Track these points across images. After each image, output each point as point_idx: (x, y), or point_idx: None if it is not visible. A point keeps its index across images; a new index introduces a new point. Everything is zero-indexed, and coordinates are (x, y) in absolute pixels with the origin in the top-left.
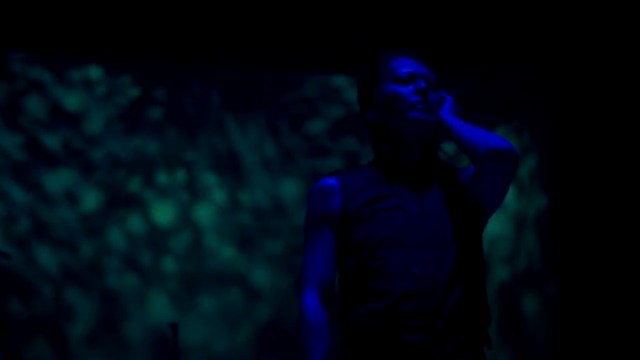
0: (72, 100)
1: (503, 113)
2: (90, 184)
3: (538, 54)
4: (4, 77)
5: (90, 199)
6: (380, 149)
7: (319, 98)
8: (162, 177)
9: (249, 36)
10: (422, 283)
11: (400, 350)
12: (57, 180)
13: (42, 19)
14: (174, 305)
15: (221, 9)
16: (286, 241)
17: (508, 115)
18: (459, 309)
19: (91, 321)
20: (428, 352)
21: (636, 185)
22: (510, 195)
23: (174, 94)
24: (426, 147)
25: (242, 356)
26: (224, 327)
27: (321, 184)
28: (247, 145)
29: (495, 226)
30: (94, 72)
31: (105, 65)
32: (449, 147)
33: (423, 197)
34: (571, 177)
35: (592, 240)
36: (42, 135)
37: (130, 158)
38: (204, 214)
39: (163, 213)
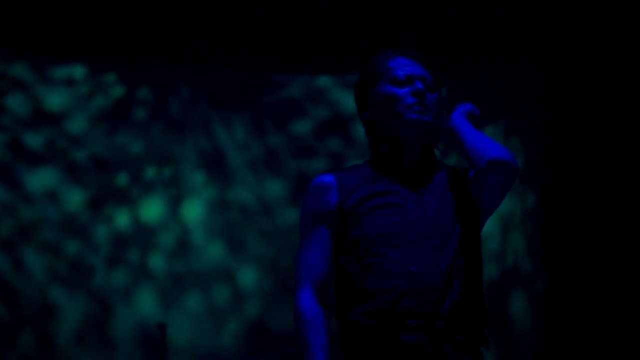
0: (55, 99)
1: (491, 113)
2: (74, 183)
3: (526, 54)
4: None
5: (75, 198)
6: (379, 149)
7: (304, 98)
8: (147, 177)
9: (235, 36)
10: (419, 282)
11: (399, 350)
12: (40, 180)
13: (25, 16)
14: (161, 303)
15: (206, 8)
16: (273, 240)
17: (496, 115)
18: (457, 308)
19: (78, 320)
20: (427, 352)
21: (623, 184)
22: None
23: (159, 93)
24: (425, 147)
25: (230, 355)
26: (211, 326)
27: (318, 180)
28: (233, 144)
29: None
30: (78, 71)
31: (89, 63)
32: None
33: (421, 195)
34: (558, 176)
35: (578, 239)
36: (24, 134)
37: (115, 157)
38: (190, 213)
39: (149, 212)
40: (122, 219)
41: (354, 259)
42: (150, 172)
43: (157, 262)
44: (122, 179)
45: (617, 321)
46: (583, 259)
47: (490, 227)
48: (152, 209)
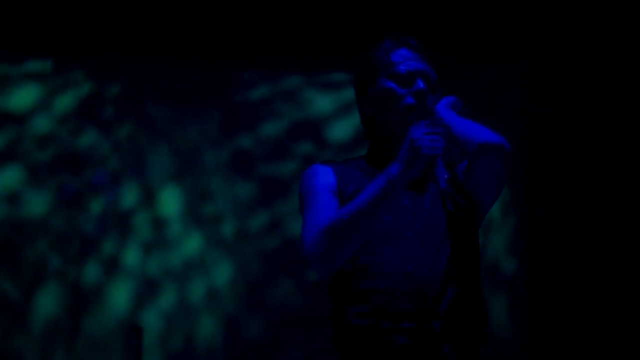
0: (18, 97)
1: (471, 110)
2: (38, 184)
3: (509, 52)
4: None
5: (39, 199)
6: (374, 143)
7: (276, 98)
8: (117, 175)
9: (207, 33)
10: (415, 282)
11: (395, 353)
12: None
13: None
14: (135, 299)
15: (178, 4)
16: (250, 238)
17: (476, 112)
18: (454, 309)
19: (51, 316)
20: (424, 354)
21: (605, 182)
22: None
23: (128, 90)
24: None
25: (207, 353)
26: (186, 323)
27: (315, 166)
28: (204, 143)
29: None
30: (44, 67)
31: (56, 59)
32: None
33: (416, 192)
34: (539, 174)
35: (560, 238)
36: None
37: (84, 156)
38: (164, 211)
39: (123, 207)
40: (92, 218)
41: None
42: (118, 172)
43: (131, 257)
44: (91, 177)
45: (600, 320)
46: (565, 258)
47: None
48: (124, 204)
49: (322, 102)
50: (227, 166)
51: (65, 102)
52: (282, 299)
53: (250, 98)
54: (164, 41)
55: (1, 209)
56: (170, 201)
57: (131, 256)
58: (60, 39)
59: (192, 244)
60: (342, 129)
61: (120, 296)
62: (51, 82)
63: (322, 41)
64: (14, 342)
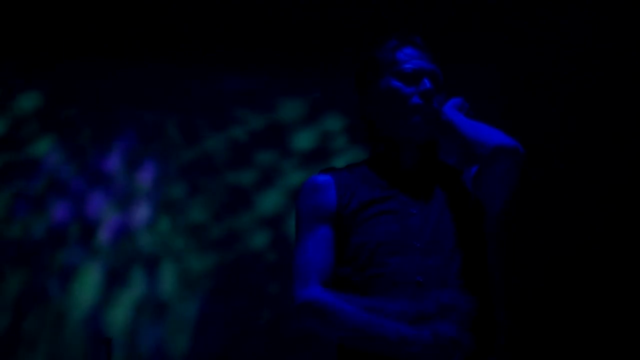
0: None
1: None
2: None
3: (490, 56)
4: None
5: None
6: (376, 147)
7: (239, 101)
8: (81, 176)
9: (172, 34)
10: (426, 292)
11: None
12: None
13: None
14: (102, 289)
15: (139, 5)
16: (210, 246)
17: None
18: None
19: (18, 305)
20: None
21: (585, 184)
22: None
23: (86, 91)
24: (425, 147)
25: (176, 348)
26: (155, 316)
27: (313, 179)
28: (165, 145)
29: None
30: (2, 69)
31: (17, 63)
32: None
33: (423, 200)
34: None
35: (539, 241)
36: None
37: (42, 160)
38: (126, 214)
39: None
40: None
41: (355, 269)
42: (80, 174)
43: (94, 264)
44: (51, 181)
45: (579, 322)
46: (543, 262)
47: None
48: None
49: (287, 108)
50: (189, 171)
51: (24, 105)
52: (243, 310)
53: (215, 102)
54: (126, 44)
55: None
56: (132, 204)
57: (94, 263)
58: (20, 42)
59: (156, 244)
60: (307, 137)
61: (83, 302)
62: (11, 85)
63: (289, 44)
64: None
